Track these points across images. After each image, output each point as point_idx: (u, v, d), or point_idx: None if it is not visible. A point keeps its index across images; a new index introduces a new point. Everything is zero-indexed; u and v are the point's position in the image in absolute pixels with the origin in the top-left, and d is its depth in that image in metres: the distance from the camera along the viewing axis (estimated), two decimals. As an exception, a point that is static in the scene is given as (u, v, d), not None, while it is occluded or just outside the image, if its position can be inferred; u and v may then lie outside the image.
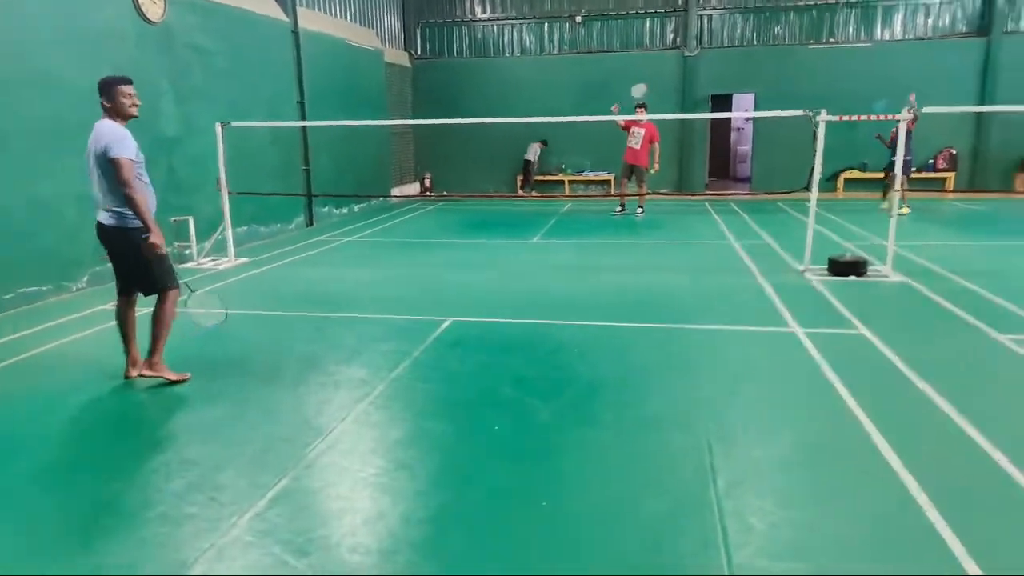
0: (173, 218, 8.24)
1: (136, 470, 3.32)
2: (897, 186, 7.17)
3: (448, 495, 3.03)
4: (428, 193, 16.61)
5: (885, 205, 11.83)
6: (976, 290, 6.27)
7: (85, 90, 6.92)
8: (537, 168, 16.10)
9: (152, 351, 4.37)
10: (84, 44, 6.94)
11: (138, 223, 4.06)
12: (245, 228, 9.57)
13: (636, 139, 11.69)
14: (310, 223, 11.59)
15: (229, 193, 8.32)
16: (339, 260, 8.78)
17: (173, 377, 4.37)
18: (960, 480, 3.03)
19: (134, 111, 4.18)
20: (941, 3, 14.51)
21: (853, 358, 4.59)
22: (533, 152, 15.93)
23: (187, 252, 8.42)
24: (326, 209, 12.20)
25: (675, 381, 4.32)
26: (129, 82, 4.18)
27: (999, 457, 3.18)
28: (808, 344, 4.88)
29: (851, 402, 3.85)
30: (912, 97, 10.21)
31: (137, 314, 4.46)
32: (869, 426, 3.54)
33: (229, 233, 8.38)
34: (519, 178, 16.31)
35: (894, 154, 11.28)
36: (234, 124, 8.31)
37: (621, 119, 11.62)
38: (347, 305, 6.31)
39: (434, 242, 10.09)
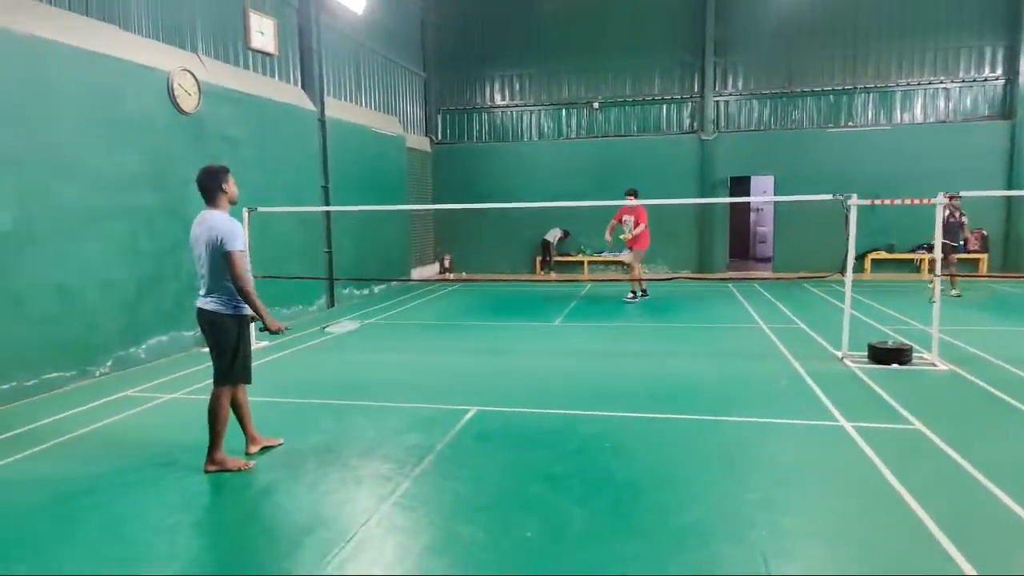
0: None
1: (142, 582, 3.07)
2: (938, 270, 6.90)
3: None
4: (448, 274, 16.64)
5: (955, 292, 11.25)
6: (1031, 380, 5.95)
7: (112, 177, 7.07)
8: (556, 249, 16.14)
9: (211, 451, 4.30)
10: (115, 132, 7.09)
11: (231, 311, 4.25)
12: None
13: (628, 226, 11.41)
14: (331, 304, 11.54)
15: (254, 277, 8.27)
16: (359, 344, 8.63)
17: (238, 466, 4.32)
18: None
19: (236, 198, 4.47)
20: (961, 88, 14.67)
21: (912, 457, 4.27)
22: (554, 235, 16.01)
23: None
24: (347, 291, 12.17)
25: (718, 481, 4.01)
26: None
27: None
28: (859, 440, 4.57)
29: (918, 509, 3.52)
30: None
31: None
32: (942, 536, 3.22)
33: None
34: (538, 259, 16.33)
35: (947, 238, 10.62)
36: (260, 210, 8.38)
37: (610, 227, 11.72)
38: (368, 392, 6.10)
39: (455, 324, 9.94)
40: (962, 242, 11.44)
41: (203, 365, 7.27)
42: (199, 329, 4.40)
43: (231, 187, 4.38)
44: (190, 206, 8.18)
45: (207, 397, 4.35)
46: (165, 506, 3.81)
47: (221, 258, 4.13)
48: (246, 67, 9.66)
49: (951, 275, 11.06)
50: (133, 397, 6.08)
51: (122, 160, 7.19)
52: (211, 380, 4.37)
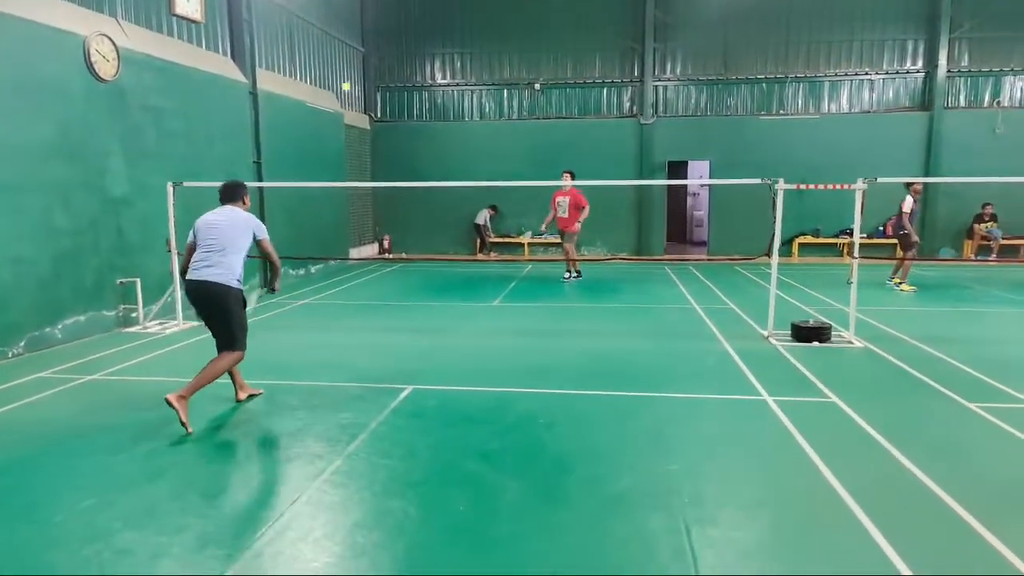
0: (120, 280, 7.87)
1: (64, 562, 2.94)
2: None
3: (410, 590, 2.75)
4: (387, 254, 16.44)
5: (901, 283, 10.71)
6: (940, 356, 6.33)
7: (22, 147, 6.68)
8: (490, 231, 16.13)
9: (188, 389, 4.53)
10: (25, 99, 6.69)
11: (236, 285, 4.82)
12: (195, 290, 9.18)
13: (562, 208, 11.46)
14: (264, 284, 11.23)
15: (179, 254, 7.98)
16: (294, 324, 8.46)
17: (184, 421, 4.43)
18: (945, 554, 2.90)
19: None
20: (884, 79, 15.34)
21: (826, 427, 4.50)
22: (483, 217, 16.01)
23: (133, 315, 8.01)
24: (282, 270, 11.86)
25: (646, 453, 4.14)
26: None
27: (981, 530, 3.07)
28: (779, 412, 4.78)
29: (829, 475, 3.72)
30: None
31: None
32: (850, 500, 3.41)
33: (178, 295, 8.01)
34: (477, 240, 16.31)
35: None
36: (186, 184, 8.05)
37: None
38: (302, 372, 6.00)
39: (393, 305, 9.85)
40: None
41: (124, 346, 7.02)
42: (194, 303, 4.87)
43: (247, 201, 5.20)
44: (110, 180, 7.84)
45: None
46: (81, 489, 3.66)
47: (252, 242, 4.95)
48: (170, 34, 9.24)
49: (904, 263, 10.66)
50: (48, 379, 5.79)
51: (34, 129, 6.79)
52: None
